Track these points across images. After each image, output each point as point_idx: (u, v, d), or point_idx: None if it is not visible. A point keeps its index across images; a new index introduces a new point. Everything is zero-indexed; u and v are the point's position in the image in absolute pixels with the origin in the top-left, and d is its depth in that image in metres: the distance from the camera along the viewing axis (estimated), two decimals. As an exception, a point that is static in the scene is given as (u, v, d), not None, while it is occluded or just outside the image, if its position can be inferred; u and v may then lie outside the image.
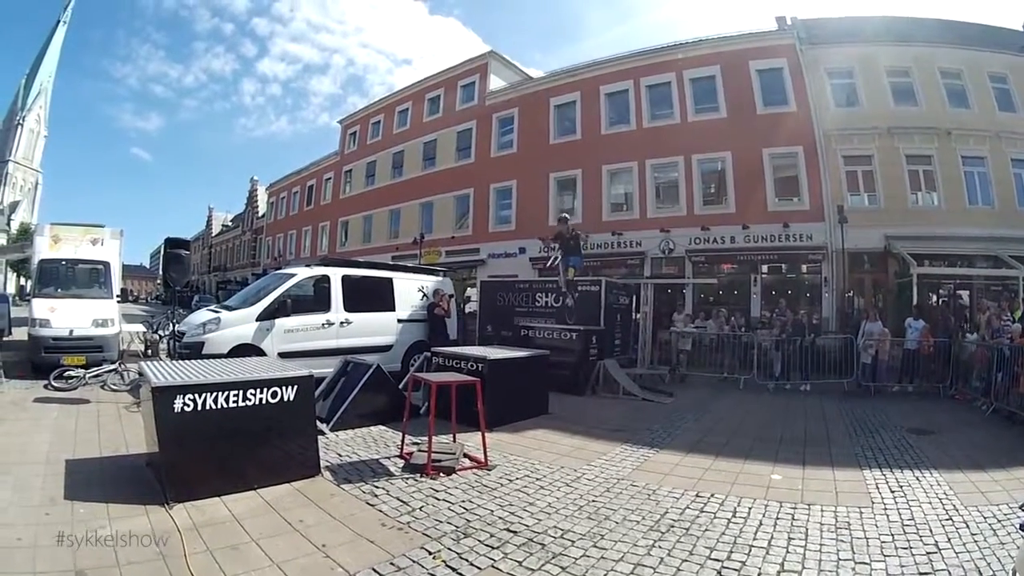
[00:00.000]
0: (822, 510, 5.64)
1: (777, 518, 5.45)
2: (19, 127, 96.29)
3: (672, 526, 5.26)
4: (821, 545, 4.82)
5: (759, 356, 15.46)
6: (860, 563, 4.49)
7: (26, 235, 55.98)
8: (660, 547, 4.80)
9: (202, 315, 12.21)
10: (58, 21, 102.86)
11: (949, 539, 4.97)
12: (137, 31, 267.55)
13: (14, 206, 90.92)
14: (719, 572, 4.36)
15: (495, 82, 35.20)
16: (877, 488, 6.40)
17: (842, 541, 4.90)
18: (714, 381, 15.30)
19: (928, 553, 4.69)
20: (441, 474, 6.68)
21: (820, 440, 8.96)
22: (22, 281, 51.13)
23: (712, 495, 6.10)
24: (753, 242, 24.41)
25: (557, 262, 14.02)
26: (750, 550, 4.74)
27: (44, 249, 14.70)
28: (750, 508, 5.70)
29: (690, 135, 26.27)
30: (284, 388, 6.25)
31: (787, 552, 4.70)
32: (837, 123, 23.81)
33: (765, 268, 24.91)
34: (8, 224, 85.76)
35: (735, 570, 4.39)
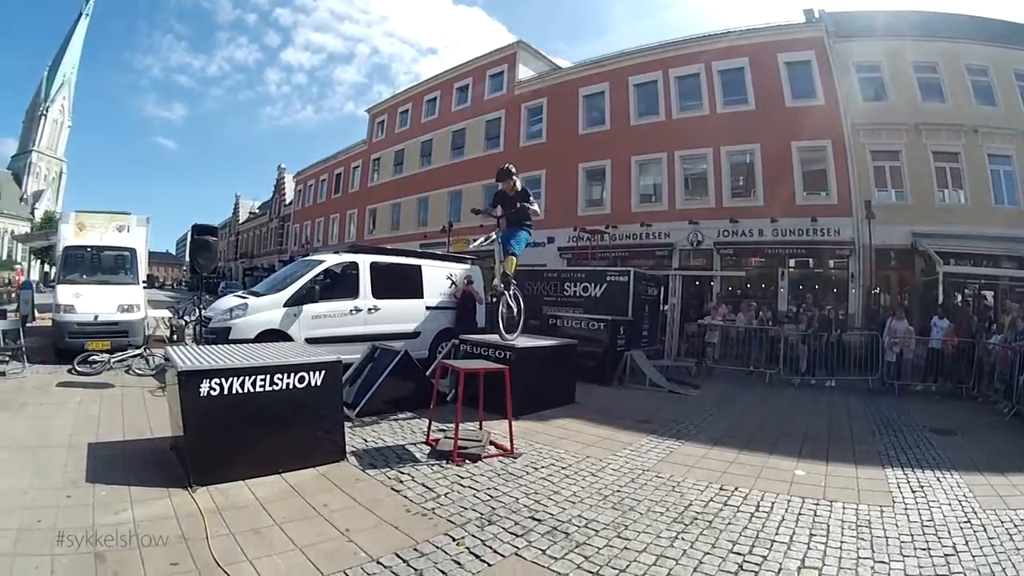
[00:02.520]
0: (844, 507, 5.60)
1: (800, 514, 5.42)
2: (42, 118, 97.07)
3: (696, 518, 5.24)
4: (842, 542, 4.80)
5: (785, 351, 15.28)
6: (879, 562, 4.47)
7: (50, 223, 56.54)
8: (683, 539, 4.79)
9: (229, 300, 12.22)
10: (80, 13, 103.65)
11: (967, 542, 4.92)
12: (159, 23, 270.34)
13: (38, 195, 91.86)
14: (740, 565, 4.34)
15: (523, 72, 35.20)
16: (899, 487, 6.35)
17: (863, 539, 4.88)
18: (740, 375, 15.19)
19: (946, 555, 4.65)
20: (467, 461, 6.69)
21: (844, 437, 8.89)
22: (46, 268, 51.75)
23: (736, 488, 6.08)
24: (781, 235, 24.21)
25: (491, 241, 11.36)
26: (772, 544, 4.72)
27: (69, 236, 14.80)
28: (773, 503, 5.68)
29: (719, 127, 26.10)
30: (312, 373, 6.28)
31: (808, 548, 4.68)
32: (865, 117, 23.55)
33: (792, 262, 24.72)
34: (32, 213, 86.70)
35: (756, 564, 4.37)
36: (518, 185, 9.35)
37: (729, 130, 25.76)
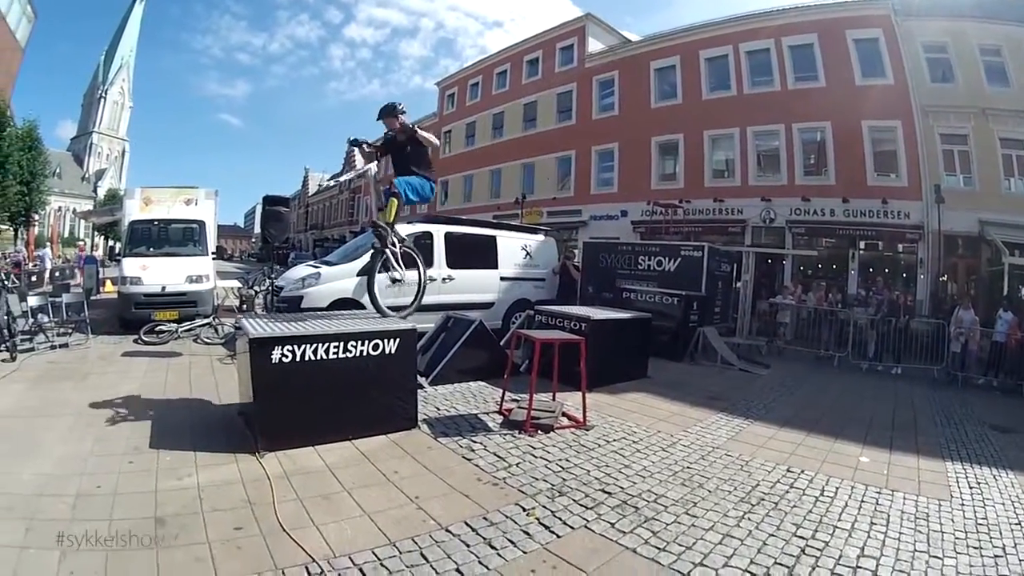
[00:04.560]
0: (904, 498, 5.54)
1: (862, 501, 5.37)
2: (102, 100, 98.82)
3: (762, 499, 5.22)
4: (900, 534, 4.75)
5: (854, 334, 15.04)
6: (934, 556, 4.41)
7: (114, 199, 57.78)
8: (749, 519, 4.78)
9: (302, 270, 12.27)
10: None
11: (1016, 544, 4.83)
12: (215, 4, 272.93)
13: (100, 174, 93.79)
14: (803, 550, 4.32)
15: (593, 45, 34.86)
16: (957, 482, 6.23)
17: (920, 532, 4.82)
18: (810, 357, 15.05)
19: (995, 556, 4.57)
20: (539, 431, 6.71)
21: (907, 426, 8.72)
22: (110, 243, 53.01)
23: (802, 471, 6.03)
24: (852, 216, 23.70)
25: (370, 174, 8.58)
26: (834, 531, 4.69)
27: (135, 211, 15.07)
28: (837, 488, 5.63)
29: (790, 103, 25.63)
30: (386, 341, 6.33)
31: (868, 537, 4.64)
32: (933, 99, 22.73)
33: (863, 244, 24.10)
34: (94, 191, 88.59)
35: (818, 549, 4.34)
36: (407, 124, 7.37)
37: (800, 107, 25.23)
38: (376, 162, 8.02)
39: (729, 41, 27.99)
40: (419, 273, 8.14)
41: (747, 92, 27.28)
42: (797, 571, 4.00)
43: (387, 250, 7.63)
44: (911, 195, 22.60)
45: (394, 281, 7.90)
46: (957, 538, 4.78)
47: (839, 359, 14.62)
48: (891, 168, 23.61)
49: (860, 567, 4.12)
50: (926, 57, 23.18)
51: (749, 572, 3.94)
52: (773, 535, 4.51)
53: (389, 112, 7.33)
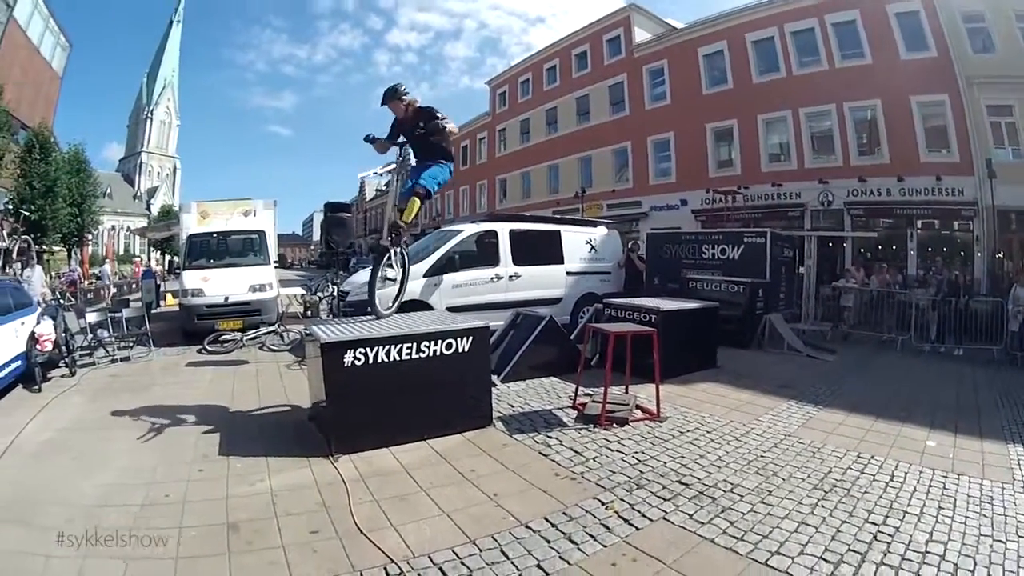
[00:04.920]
0: (970, 481, 5.47)
1: (930, 485, 5.32)
2: (148, 120, 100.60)
3: (835, 486, 5.20)
4: (966, 518, 4.69)
5: (916, 316, 14.81)
6: (997, 540, 4.35)
7: (169, 215, 58.90)
8: (823, 506, 4.78)
9: (367, 274, 12.39)
10: (171, 21, 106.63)
11: None
12: (254, 19, 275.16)
13: (152, 191, 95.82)
14: (875, 536, 4.30)
15: (639, 35, 34.87)
16: (1019, 464, 6.10)
17: (984, 516, 4.76)
18: (873, 340, 14.81)
19: None
20: (614, 425, 6.73)
21: (970, 409, 8.56)
22: (168, 257, 54.13)
23: (872, 457, 5.98)
24: (908, 195, 23.39)
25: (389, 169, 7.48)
26: (904, 516, 4.66)
27: (192, 225, 15.36)
28: (906, 473, 5.58)
29: (839, 82, 25.37)
30: (459, 339, 6.37)
31: (936, 522, 4.59)
32: (977, 70, 22.22)
33: (919, 224, 23.80)
34: (148, 208, 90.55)
35: (889, 535, 4.32)
36: (414, 104, 6.92)
37: (849, 85, 24.99)
38: (395, 168, 7.21)
39: (773, 22, 27.82)
40: (404, 269, 7.62)
41: (796, 73, 27.16)
42: (870, 557, 3.99)
43: (399, 249, 7.38)
44: (964, 170, 22.20)
45: (385, 280, 7.61)
46: (1020, 522, 4.71)
47: (902, 342, 14.37)
48: (942, 143, 23.18)
49: (928, 552, 4.11)
50: (966, 27, 22.69)
51: (824, 559, 3.94)
52: (846, 521, 4.50)
53: (391, 96, 6.86)
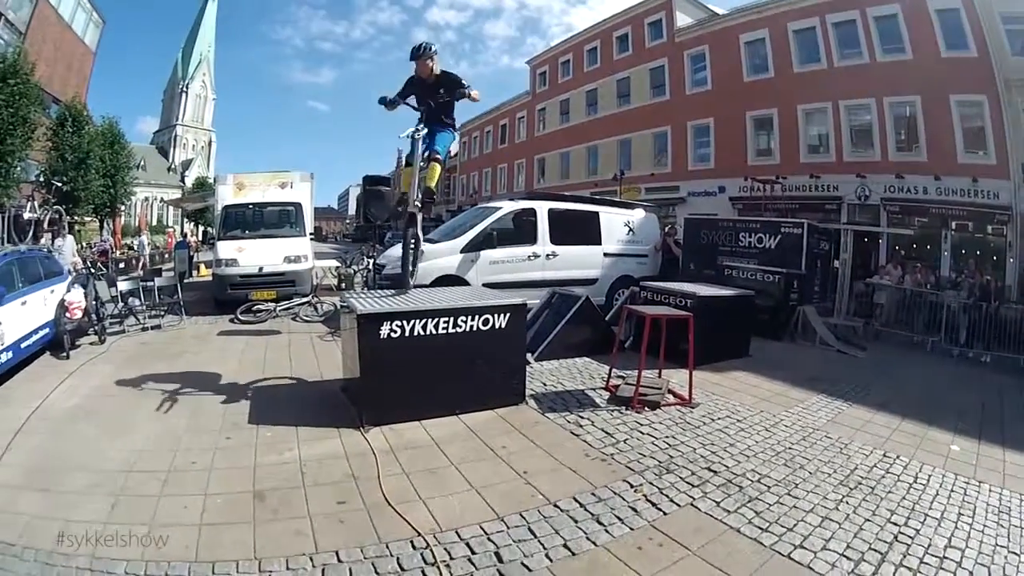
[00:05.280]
0: (990, 490, 5.43)
1: (951, 490, 5.31)
2: (183, 94, 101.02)
3: (860, 483, 5.21)
4: (984, 526, 4.68)
5: (947, 318, 14.62)
6: (1012, 552, 4.35)
7: (203, 187, 59.35)
8: (847, 503, 4.79)
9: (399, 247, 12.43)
10: None
11: None
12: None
13: (187, 164, 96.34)
14: (896, 536, 4.32)
15: (681, 19, 34.78)
16: None
17: (1002, 526, 4.74)
18: (904, 340, 14.66)
19: None
20: (646, 408, 6.77)
21: (995, 416, 8.46)
22: (201, 228, 54.72)
23: (898, 457, 5.97)
24: (944, 195, 23.17)
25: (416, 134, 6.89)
26: (925, 518, 4.66)
27: (228, 196, 15.44)
28: (930, 476, 5.56)
29: (880, 76, 25.18)
30: (496, 316, 6.42)
31: (955, 527, 4.60)
32: (1015, 72, 21.85)
33: (954, 224, 23.49)
34: (182, 180, 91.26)
35: (910, 537, 4.34)
36: (436, 69, 6.75)
37: (890, 80, 24.76)
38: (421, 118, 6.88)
39: (815, 13, 27.60)
40: (417, 244, 7.65)
41: (837, 65, 26.92)
42: (890, 557, 4.02)
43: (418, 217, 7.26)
44: (999, 173, 21.89)
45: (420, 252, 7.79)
46: (1034, 534, 4.73)
47: (932, 343, 14.23)
48: (979, 145, 22.84)
49: (946, 557, 4.12)
50: (1006, 29, 22.26)
51: (846, 556, 3.97)
52: (869, 520, 4.52)
53: (422, 54, 6.60)
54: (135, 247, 31.49)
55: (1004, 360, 13.24)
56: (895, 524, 4.51)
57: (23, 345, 7.99)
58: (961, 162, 22.85)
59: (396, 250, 11.87)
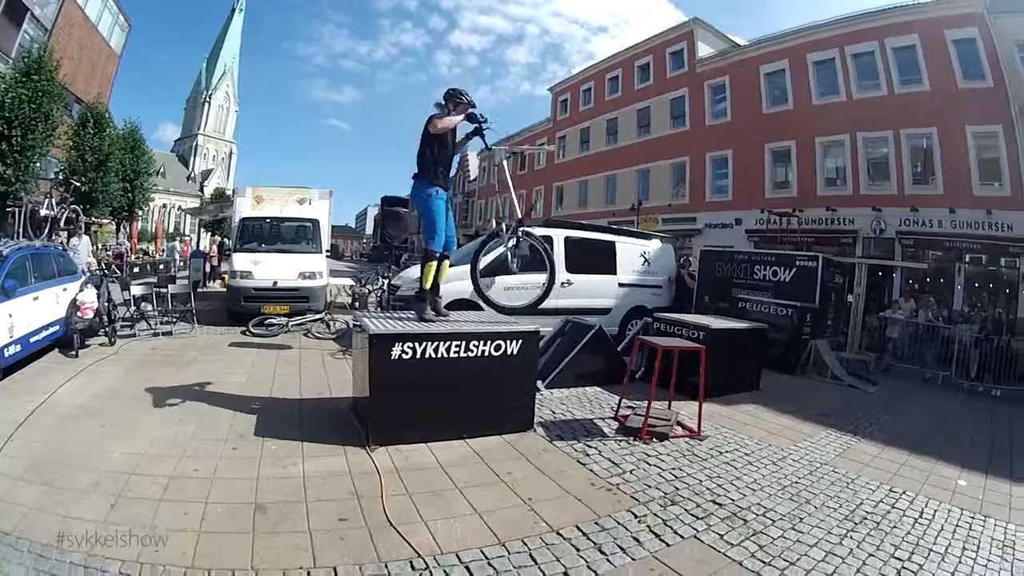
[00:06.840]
0: (995, 524, 5.43)
1: (957, 525, 5.30)
2: (206, 104, 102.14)
3: (865, 518, 5.20)
4: (988, 561, 4.69)
5: (959, 353, 14.48)
6: None
7: (222, 197, 59.66)
8: (852, 538, 4.77)
9: (418, 270, 12.45)
10: (233, 9, 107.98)
11: None
12: (315, 14, 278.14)
13: (206, 174, 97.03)
14: (899, 572, 4.32)
15: (703, 49, 34.84)
16: None
17: (1005, 560, 4.75)
18: (916, 374, 14.56)
19: None
20: (654, 439, 6.77)
21: (1004, 451, 8.39)
22: (218, 239, 55.10)
23: (904, 492, 5.96)
24: (958, 228, 22.92)
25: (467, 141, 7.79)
26: (929, 554, 4.66)
27: (246, 209, 15.49)
28: (935, 511, 5.55)
29: (897, 108, 24.99)
30: (508, 342, 6.46)
31: (959, 562, 4.60)
32: (1030, 103, 21.76)
33: (968, 258, 23.25)
34: (201, 190, 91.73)
35: (913, 572, 4.34)
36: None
37: (907, 112, 24.56)
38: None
39: (834, 44, 27.54)
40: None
41: (856, 97, 26.77)
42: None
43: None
44: (1014, 205, 21.65)
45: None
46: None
47: (943, 377, 14.14)
48: (994, 176, 22.66)
49: (950, 593, 4.08)
50: (1021, 56, 22.13)
51: (847, 592, 3.94)
52: (873, 555, 4.51)
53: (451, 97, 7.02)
54: (165, 252, 31.60)
55: (1015, 393, 13.16)
56: (898, 559, 4.50)
57: (32, 339, 8.14)
58: (976, 194, 22.68)
59: (414, 271, 11.97)
